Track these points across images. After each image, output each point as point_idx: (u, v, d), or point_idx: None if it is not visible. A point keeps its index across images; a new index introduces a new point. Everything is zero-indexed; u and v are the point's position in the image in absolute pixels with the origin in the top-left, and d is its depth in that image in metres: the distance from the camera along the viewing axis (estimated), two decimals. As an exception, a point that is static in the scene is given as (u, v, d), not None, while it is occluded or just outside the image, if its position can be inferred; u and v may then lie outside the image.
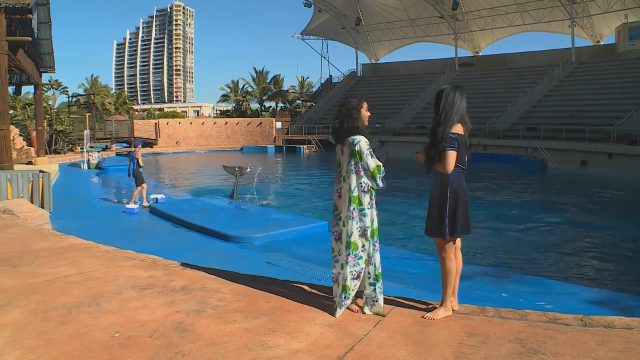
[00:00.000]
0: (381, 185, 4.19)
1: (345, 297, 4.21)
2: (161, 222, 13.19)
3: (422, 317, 4.10)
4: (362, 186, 4.20)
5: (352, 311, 4.25)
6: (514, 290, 8.08)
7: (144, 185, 15.37)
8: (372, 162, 4.16)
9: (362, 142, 4.19)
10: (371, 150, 4.19)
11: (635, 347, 3.45)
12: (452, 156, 3.96)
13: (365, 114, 4.33)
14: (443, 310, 4.14)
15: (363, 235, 4.21)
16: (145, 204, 15.18)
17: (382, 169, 4.19)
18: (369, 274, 4.24)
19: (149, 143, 48.73)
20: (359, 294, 4.36)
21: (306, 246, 10.47)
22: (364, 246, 4.22)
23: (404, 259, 9.94)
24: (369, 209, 4.21)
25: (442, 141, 3.98)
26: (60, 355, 3.43)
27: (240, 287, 4.93)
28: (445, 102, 4.08)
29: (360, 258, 4.22)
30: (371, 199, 4.22)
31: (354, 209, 4.20)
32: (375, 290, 4.21)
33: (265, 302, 4.45)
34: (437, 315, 4.09)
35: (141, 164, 15.41)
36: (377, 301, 4.21)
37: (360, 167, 4.19)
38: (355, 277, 4.23)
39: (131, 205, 14.66)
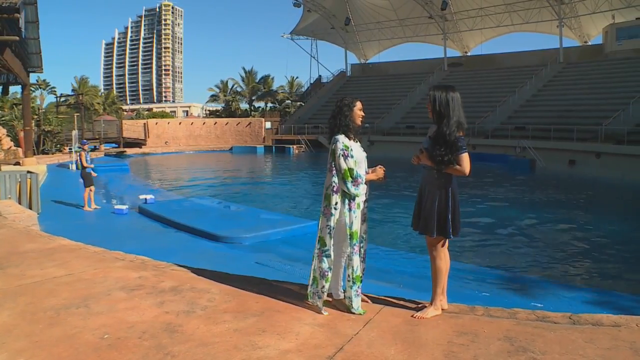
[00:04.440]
0: (351, 190, 4.15)
1: (311, 289, 4.30)
2: (150, 222, 13.14)
3: (412, 316, 4.11)
4: (332, 185, 4.20)
5: (340, 310, 4.27)
6: (502, 288, 8.13)
7: (92, 188, 14.83)
8: (343, 164, 4.15)
9: (338, 142, 4.20)
10: (345, 152, 4.16)
11: (622, 344, 3.48)
12: (468, 158, 3.98)
13: (358, 112, 4.32)
14: (432, 309, 4.15)
15: (329, 233, 4.20)
16: (90, 207, 14.79)
17: (356, 173, 4.17)
18: (348, 275, 4.24)
19: (137, 143, 48.55)
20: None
21: (295, 246, 10.46)
22: (332, 244, 4.23)
23: (393, 258, 9.97)
24: (335, 209, 4.18)
25: (455, 143, 3.96)
26: (48, 357, 3.41)
27: (230, 287, 4.92)
28: (453, 105, 4.04)
29: (327, 256, 4.22)
30: (349, 200, 4.19)
31: (325, 206, 4.23)
32: (351, 291, 4.23)
33: (255, 302, 4.45)
34: (427, 314, 4.11)
35: (84, 164, 14.85)
36: (351, 302, 4.23)
37: (334, 166, 4.20)
38: (320, 274, 4.24)
39: (120, 206, 14.58)
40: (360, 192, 4.21)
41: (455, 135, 3.96)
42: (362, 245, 4.38)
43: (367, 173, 4.34)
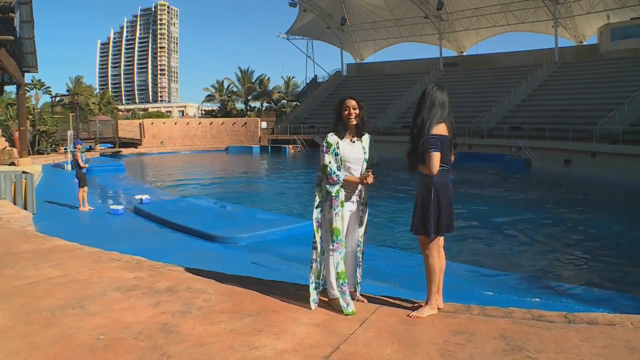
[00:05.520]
0: (327, 187, 4.23)
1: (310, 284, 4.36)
2: (146, 222, 13.11)
3: (408, 316, 4.10)
4: (317, 178, 4.35)
5: (336, 310, 4.26)
6: (498, 287, 8.14)
7: (85, 188, 14.74)
8: (321, 160, 4.26)
9: (325, 139, 4.31)
10: (326, 148, 4.25)
11: (617, 342, 3.49)
12: (436, 157, 3.96)
13: (344, 112, 4.31)
14: (428, 308, 4.15)
15: (318, 225, 4.33)
16: (85, 207, 14.73)
17: (330, 171, 4.19)
18: (336, 273, 4.29)
19: (133, 143, 48.45)
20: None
21: (291, 246, 10.46)
22: (321, 238, 4.34)
23: (389, 258, 9.97)
24: (321, 200, 4.32)
25: (424, 143, 3.98)
26: (44, 358, 3.39)
27: (226, 287, 4.91)
28: (425, 104, 4.08)
29: (314, 248, 4.36)
30: (330, 197, 4.23)
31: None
32: (337, 289, 4.26)
33: (251, 302, 4.44)
34: (422, 314, 4.10)
35: (81, 164, 14.72)
36: (336, 300, 4.26)
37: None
38: (310, 265, 4.37)
39: (115, 206, 14.54)
40: (334, 190, 4.21)
41: (427, 133, 3.99)
42: (358, 248, 4.42)
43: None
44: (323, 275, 4.41)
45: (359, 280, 4.49)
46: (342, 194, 4.26)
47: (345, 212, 4.28)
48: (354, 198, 4.35)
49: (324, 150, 4.25)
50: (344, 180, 4.23)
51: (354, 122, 4.32)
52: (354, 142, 4.33)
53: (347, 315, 4.13)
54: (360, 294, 4.47)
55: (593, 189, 22.93)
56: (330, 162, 4.22)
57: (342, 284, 4.23)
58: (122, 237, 11.22)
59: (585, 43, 50.99)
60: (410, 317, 4.09)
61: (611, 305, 7.20)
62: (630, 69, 37.39)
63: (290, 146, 48.02)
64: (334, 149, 4.24)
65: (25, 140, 25.47)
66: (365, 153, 4.34)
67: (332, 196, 4.22)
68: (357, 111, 4.31)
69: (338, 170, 4.23)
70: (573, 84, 39.88)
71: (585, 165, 27.81)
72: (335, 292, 4.36)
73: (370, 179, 4.22)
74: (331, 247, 4.25)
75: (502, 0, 49.09)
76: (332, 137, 4.28)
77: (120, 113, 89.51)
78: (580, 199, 20.11)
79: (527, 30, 53.89)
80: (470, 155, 33.42)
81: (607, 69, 39.67)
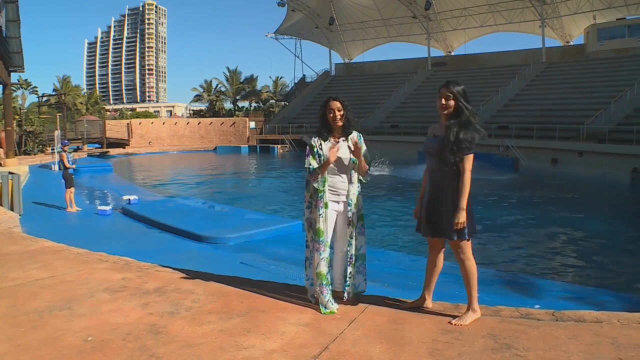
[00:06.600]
0: (314, 185, 4.30)
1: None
2: (134, 223, 13.04)
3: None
4: (305, 180, 4.43)
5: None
6: (486, 286, 8.17)
7: (72, 189, 14.65)
8: (306, 162, 4.32)
9: (309, 142, 4.38)
10: (308, 150, 4.33)
11: (604, 339, 3.52)
12: (472, 159, 3.99)
13: (329, 114, 4.31)
14: (471, 314, 3.98)
15: (308, 225, 4.42)
16: (72, 208, 14.63)
17: (311, 169, 4.27)
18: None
19: (120, 143, 48.20)
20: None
21: (280, 246, 10.45)
22: (311, 238, 4.39)
23: (378, 257, 9.97)
24: (310, 201, 4.40)
25: (463, 143, 3.95)
26: (30, 360, 3.37)
27: (214, 287, 4.91)
28: (467, 103, 3.99)
29: (307, 246, 4.48)
30: (315, 198, 4.29)
31: None
32: (318, 288, 4.29)
33: (240, 303, 4.43)
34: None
35: (66, 164, 14.71)
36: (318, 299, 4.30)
37: None
38: (304, 262, 4.51)
39: (103, 207, 14.45)
40: (318, 184, 4.26)
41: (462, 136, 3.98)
42: (348, 249, 4.39)
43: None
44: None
45: (348, 282, 4.41)
46: (327, 194, 4.28)
47: (330, 213, 4.29)
48: (340, 198, 4.35)
49: (307, 153, 4.32)
50: (321, 168, 4.25)
51: (340, 124, 4.33)
52: (338, 142, 4.33)
53: (323, 314, 4.15)
54: (351, 295, 4.45)
55: (580, 188, 23.08)
56: (311, 165, 4.27)
57: (319, 285, 4.24)
58: (110, 238, 11.14)
59: (572, 43, 51.42)
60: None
61: (598, 303, 7.25)
62: (616, 68, 37.79)
63: (279, 146, 48.01)
64: (317, 151, 4.29)
65: (11, 141, 25.25)
66: (351, 152, 4.32)
67: (318, 197, 4.25)
68: (341, 112, 4.30)
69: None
70: (560, 83, 40.15)
71: (573, 164, 28.04)
72: (318, 290, 4.35)
73: (332, 154, 4.20)
74: (315, 246, 4.29)
75: (490, 1, 49.36)
76: (315, 139, 4.35)
77: (108, 113, 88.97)
78: (568, 197, 20.24)
79: (514, 30, 54.19)
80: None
81: (594, 69, 40.02)
